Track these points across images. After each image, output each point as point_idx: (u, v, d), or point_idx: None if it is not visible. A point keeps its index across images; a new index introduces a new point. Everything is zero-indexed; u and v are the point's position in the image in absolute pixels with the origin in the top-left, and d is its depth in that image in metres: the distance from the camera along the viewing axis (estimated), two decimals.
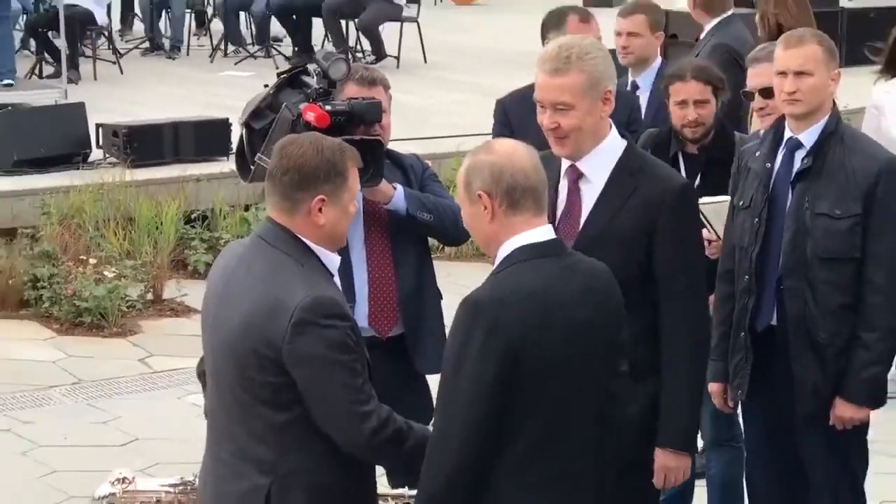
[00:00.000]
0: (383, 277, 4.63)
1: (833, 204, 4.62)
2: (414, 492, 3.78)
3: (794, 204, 4.67)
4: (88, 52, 13.63)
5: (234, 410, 3.67)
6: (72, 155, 9.99)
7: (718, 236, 5.06)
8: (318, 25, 14.31)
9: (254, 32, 14.80)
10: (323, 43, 14.36)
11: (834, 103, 4.77)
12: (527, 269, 3.50)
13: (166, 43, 14.78)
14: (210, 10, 15.42)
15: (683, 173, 5.23)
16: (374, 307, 4.61)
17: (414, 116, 10.03)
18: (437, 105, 11.86)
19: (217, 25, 15.00)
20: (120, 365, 7.87)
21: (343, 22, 14.03)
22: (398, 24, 13.98)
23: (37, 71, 13.12)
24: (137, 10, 15.48)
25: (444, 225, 4.67)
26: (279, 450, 3.60)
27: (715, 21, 7.11)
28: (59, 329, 8.26)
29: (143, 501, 3.90)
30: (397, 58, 13.75)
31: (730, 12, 7.17)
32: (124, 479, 3.94)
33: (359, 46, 14.11)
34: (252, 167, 4.45)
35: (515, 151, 3.56)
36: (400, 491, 3.93)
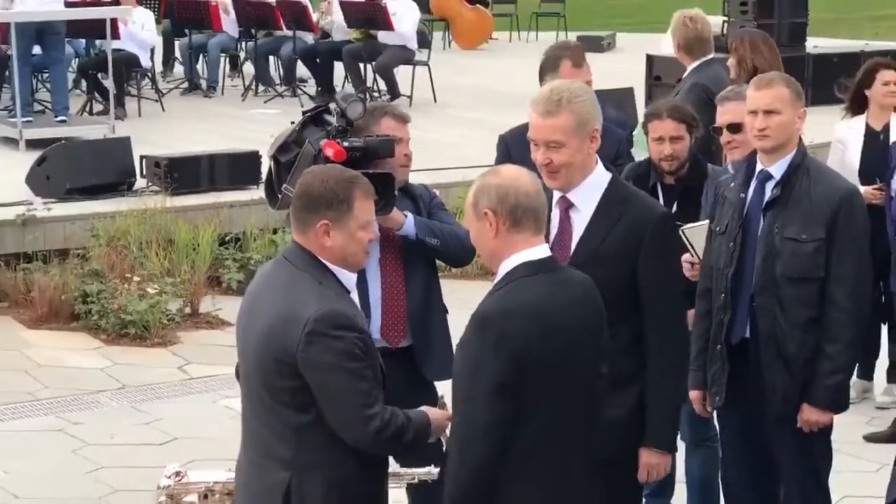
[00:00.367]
0: (394, 294, 4.63)
1: (800, 229, 4.61)
2: (422, 469, 3.86)
3: (766, 229, 4.67)
4: (134, 91, 13.63)
5: (261, 413, 3.68)
6: (118, 183, 9.99)
7: (697, 256, 5.06)
8: (339, 68, 14.33)
9: (281, 74, 14.83)
10: (343, 83, 14.37)
11: (800, 139, 4.77)
12: (527, 284, 3.54)
13: (203, 83, 14.79)
14: (242, 54, 15.45)
15: (662, 202, 5.24)
16: (385, 320, 4.61)
17: (424, 149, 9.98)
18: (445, 139, 11.85)
19: (249, 68, 15.03)
20: (161, 372, 7.86)
21: (361, 65, 14.05)
22: (411, 66, 14.00)
23: (87, 108, 13.12)
24: (178, 53, 15.52)
25: (449, 249, 4.69)
26: (298, 447, 3.61)
27: (696, 63, 7.11)
28: (107, 339, 8.25)
29: (195, 491, 3.93)
30: (410, 97, 13.75)
31: (710, 56, 7.16)
32: (178, 472, 3.95)
33: (375, 87, 14.12)
34: (279, 195, 4.47)
35: (520, 176, 3.61)
36: (413, 470, 3.94)
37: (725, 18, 14.44)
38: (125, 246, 8.93)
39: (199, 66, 15.02)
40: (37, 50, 12.33)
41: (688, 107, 5.61)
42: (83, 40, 13.94)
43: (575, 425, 3.58)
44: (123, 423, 7.07)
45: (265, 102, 13.92)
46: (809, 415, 4.65)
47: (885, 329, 7.18)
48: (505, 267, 3.58)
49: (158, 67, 15.25)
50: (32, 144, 11.21)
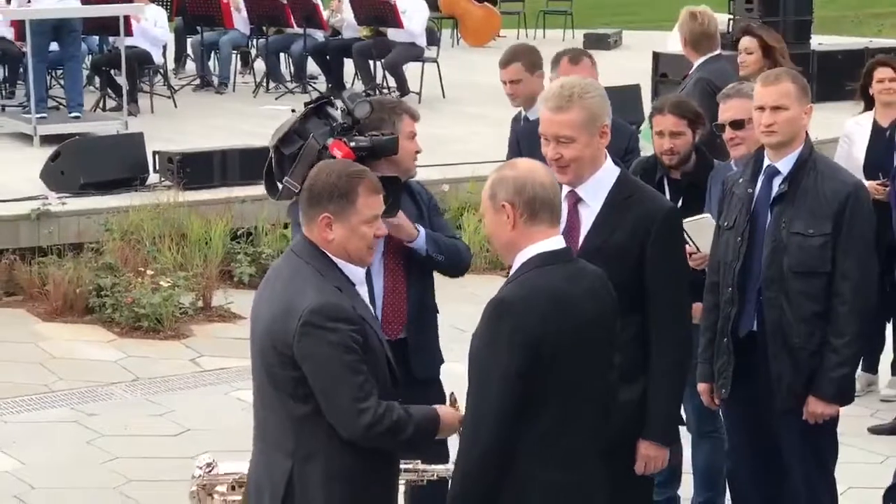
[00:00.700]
0: (396, 288, 4.64)
1: (807, 224, 4.61)
2: (441, 466, 3.84)
3: (773, 224, 4.66)
4: (146, 88, 13.64)
5: (266, 403, 3.70)
6: (132, 179, 10.00)
7: (699, 249, 5.08)
8: (349, 65, 14.32)
9: (292, 71, 14.82)
10: (353, 80, 14.37)
11: (807, 134, 4.77)
12: (544, 273, 3.56)
13: (215, 80, 14.79)
14: (253, 51, 15.45)
15: (668, 195, 5.24)
16: (386, 313, 4.62)
17: (434, 145, 10.00)
18: (454, 135, 11.84)
19: (260, 65, 15.02)
20: (174, 364, 7.87)
21: (371, 62, 14.04)
22: (420, 63, 13.99)
23: (101, 105, 13.13)
24: (190, 50, 15.52)
25: (450, 264, 4.73)
26: (299, 437, 3.61)
27: (702, 59, 7.10)
28: (120, 332, 8.26)
29: (225, 482, 3.95)
30: (419, 93, 13.75)
31: (717, 52, 7.16)
32: (209, 463, 3.98)
33: (385, 83, 14.11)
34: (280, 186, 4.48)
35: (536, 168, 3.64)
36: (433, 467, 3.93)
37: (731, 16, 14.41)
38: (138, 240, 8.94)
39: (210, 63, 15.02)
40: (53, 47, 12.35)
41: (692, 102, 5.61)
42: (96, 37, 13.95)
43: (591, 412, 3.60)
44: (137, 414, 7.08)
45: (276, 99, 13.92)
46: (815, 407, 4.65)
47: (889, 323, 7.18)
48: (521, 258, 3.60)
49: (171, 64, 15.26)
50: (47, 140, 11.23)
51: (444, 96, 13.93)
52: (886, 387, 7.22)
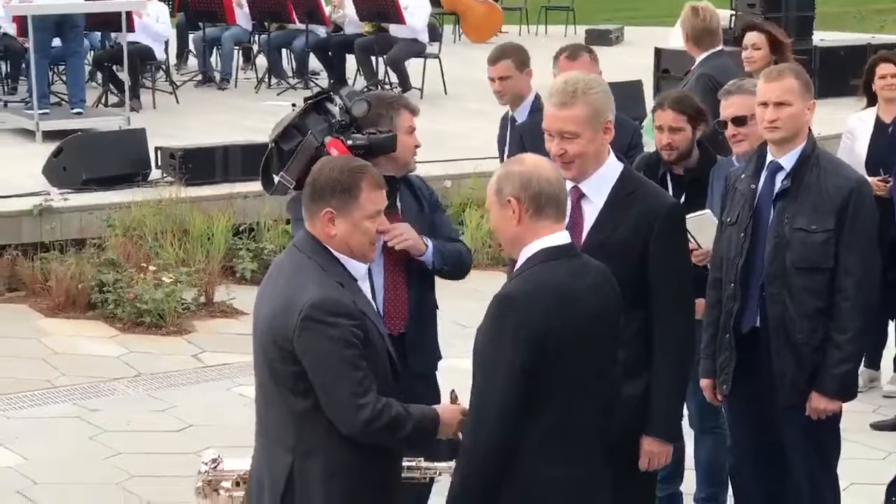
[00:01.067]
0: (397, 283, 4.64)
1: (809, 220, 4.61)
2: (444, 463, 3.83)
3: (776, 220, 4.66)
4: (148, 83, 13.63)
5: (268, 398, 3.70)
6: (134, 174, 10.00)
7: (700, 245, 5.07)
8: (350, 61, 14.31)
9: (294, 67, 14.81)
10: (355, 76, 14.36)
11: (810, 130, 4.77)
12: (548, 268, 3.56)
13: (217, 76, 14.78)
14: (255, 47, 15.44)
15: (670, 191, 5.24)
16: (387, 308, 4.62)
17: (436, 141, 10.01)
18: (456, 131, 11.83)
19: (262, 60, 15.01)
20: (176, 360, 7.87)
21: (373, 58, 14.03)
22: (422, 59, 13.98)
23: (103, 100, 13.13)
24: (192, 46, 15.51)
25: (453, 272, 4.73)
26: (299, 433, 3.61)
27: (704, 55, 7.09)
28: (122, 328, 8.26)
29: (230, 478, 3.96)
30: (421, 89, 13.74)
31: (719, 48, 7.15)
32: (215, 459, 3.98)
33: (387, 79, 14.10)
34: (276, 181, 4.49)
35: (542, 164, 3.65)
36: (436, 464, 3.92)
37: (733, 12, 14.40)
38: (140, 236, 8.95)
39: (212, 59, 15.02)
40: (55, 42, 12.34)
41: (694, 99, 5.60)
42: (98, 33, 13.95)
43: (594, 408, 3.61)
44: (140, 410, 7.08)
45: (278, 95, 13.91)
46: (818, 403, 4.65)
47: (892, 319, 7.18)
48: (526, 252, 3.60)
49: (173, 60, 15.26)
50: (49, 136, 11.23)
51: (445, 92, 13.92)
52: (889, 383, 7.22)
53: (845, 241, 4.60)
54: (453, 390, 3.86)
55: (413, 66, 13.98)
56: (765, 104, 4.68)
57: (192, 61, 15.48)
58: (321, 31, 14.45)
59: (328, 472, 3.60)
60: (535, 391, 3.48)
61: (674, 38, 12.40)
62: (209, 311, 8.57)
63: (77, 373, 7.59)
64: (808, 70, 5.63)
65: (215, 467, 3.98)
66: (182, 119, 12.50)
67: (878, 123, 7.08)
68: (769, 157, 4.73)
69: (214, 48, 14.97)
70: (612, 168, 4.20)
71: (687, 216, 4.82)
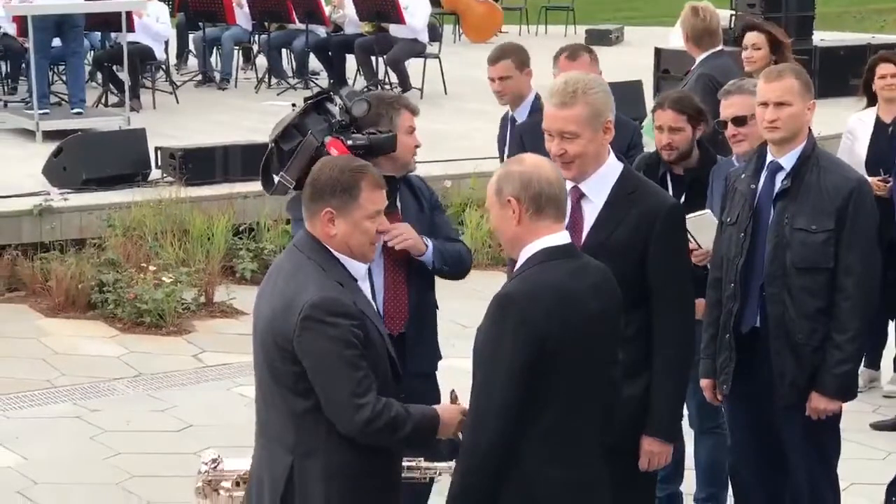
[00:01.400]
0: (396, 286, 4.64)
1: (809, 220, 4.61)
2: (444, 464, 3.82)
3: (776, 220, 4.66)
4: (148, 83, 13.64)
5: (268, 397, 3.70)
6: (134, 174, 10.00)
7: (700, 245, 5.07)
8: (350, 61, 14.31)
9: (294, 67, 14.81)
10: (355, 76, 14.36)
11: (810, 130, 4.77)
12: (549, 268, 3.56)
13: (217, 76, 14.79)
14: (255, 47, 15.45)
15: (670, 191, 5.24)
16: (388, 308, 4.62)
17: (435, 141, 10.02)
18: (456, 131, 11.83)
19: (262, 60, 15.01)
20: (176, 360, 7.87)
21: (373, 58, 14.03)
22: (422, 59, 13.98)
23: (103, 100, 13.12)
24: (192, 46, 15.51)
25: (453, 272, 4.73)
26: (299, 433, 3.61)
27: (704, 55, 7.09)
28: (122, 328, 8.26)
29: (230, 479, 3.96)
30: (421, 89, 13.74)
31: (719, 48, 7.15)
32: (214, 459, 3.98)
33: (387, 79, 14.10)
34: (276, 181, 4.49)
35: (542, 164, 3.65)
36: (436, 464, 3.92)
37: (733, 12, 14.40)
38: (140, 236, 8.95)
39: (212, 59, 15.02)
40: (55, 42, 12.34)
41: (694, 99, 5.60)
42: (98, 33, 13.95)
43: (594, 408, 3.61)
44: (139, 410, 7.08)
45: (278, 95, 13.92)
46: (818, 403, 4.65)
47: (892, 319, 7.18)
48: (526, 252, 3.60)
49: (173, 60, 15.26)
50: (49, 136, 11.23)
51: (445, 92, 13.92)
52: (889, 383, 7.22)
53: (845, 241, 4.60)
54: (453, 390, 3.86)
55: (413, 66, 13.98)
56: (765, 104, 4.68)
57: (192, 61, 15.48)
58: (321, 31, 14.45)
59: (328, 472, 3.60)
60: (535, 391, 3.48)
61: (674, 38, 12.40)
62: (209, 311, 8.57)
63: (77, 373, 7.59)
64: (808, 70, 5.63)
65: (215, 467, 3.98)
66: (182, 119, 12.50)
67: (878, 123, 7.08)
68: (769, 157, 4.73)
69: (214, 48, 14.97)
70: (612, 168, 4.20)
71: (687, 216, 4.82)
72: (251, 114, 12.48)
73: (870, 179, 6.37)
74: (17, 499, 6.03)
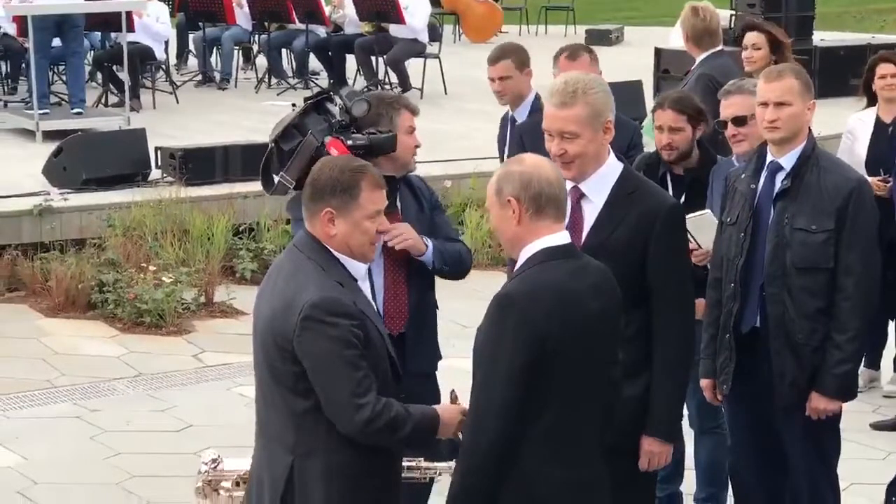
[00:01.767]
0: (396, 286, 4.64)
1: (809, 220, 4.61)
2: (444, 464, 3.82)
3: (776, 220, 4.66)
4: (148, 83, 13.64)
5: (268, 397, 3.70)
6: (134, 174, 10.00)
7: (700, 245, 5.07)
8: (350, 61, 14.32)
9: (294, 67, 14.81)
10: (355, 76, 14.36)
11: (810, 130, 4.77)
12: (548, 268, 3.56)
13: (217, 76, 14.79)
14: (255, 47, 15.45)
15: (670, 191, 5.24)
16: (388, 308, 4.62)
17: (435, 141, 10.02)
18: (456, 131, 11.83)
19: (262, 60, 15.01)
20: (176, 360, 7.87)
21: (373, 58, 14.03)
22: (422, 59, 13.98)
23: (103, 100, 13.12)
24: (192, 46, 15.51)
25: (453, 273, 4.73)
26: (299, 432, 3.61)
27: (704, 55, 7.09)
28: (122, 328, 8.26)
29: (230, 479, 3.97)
30: (421, 89, 13.74)
31: (719, 48, 7.15)
32: (215, 459, 3.99)
33: (387, 79, 14.10)
34: (276, 181, 4.49)
35: (542, 164, 3.65)
36: (435, 464, 3.92)
37: (733, 12, 14.40)
38: (140, 236, 8.95)
39: (212, 59, 15.02)
40: (55, 42, 12.34)
41: (694, 99, 5.61)
42: (98, 33, 13.95)
43: (594, 408, 3.61)
44: (139, 410, 7.08)
45: (278, 95, 13.92)
46: (818, 403, 4.65)
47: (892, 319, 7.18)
48: (526, 252, 3.60)
49: (172, 60, 15.26)
50: (49, 136, 11.23)
51: (445, 92, 13.92)
52: (889, 383, 7.22)
53: (845, 241, 4.60)
54: (453, 390, 3.86)
55: (413, 66, 13.98)
56: (765, 104, 4.68)
57: (192, 61, 15.48)
58: (321, 31, 14.45)
59: (328, 472, 3.60)
60: (536, 391, 3.49)
61: (674, 38, 12.40)
62: (209, 311, 8.57)
63: (77, 373, 7.59)
64: (808, 70, 5.63)
65: (215, 467, 3.99)
66: (182, 119, 12.50)
67: (878, 123, 7.08)
68: (769, 157, 4.73)
69: (214, 48, 14.97)
70: (612, 168, 4.20)
71: (687, 216, 4.83)
72: (251, 114, 12.48)
73: (870, 179, 6.37)
74: (17, 499, 6.03)
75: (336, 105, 4.56)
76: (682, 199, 5.23)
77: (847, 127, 7.26)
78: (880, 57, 7.24)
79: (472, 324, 3.71)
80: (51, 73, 13.21)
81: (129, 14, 12.30)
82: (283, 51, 14.89)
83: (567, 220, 4.12)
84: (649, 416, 4.16)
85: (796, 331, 4.62)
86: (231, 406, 7.03)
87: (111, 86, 13.17)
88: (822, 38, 14.61)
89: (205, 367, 7.79)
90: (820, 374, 4.63)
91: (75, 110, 11.98)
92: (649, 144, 5.96)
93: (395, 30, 13.79)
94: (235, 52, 14.98)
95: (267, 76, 14.53)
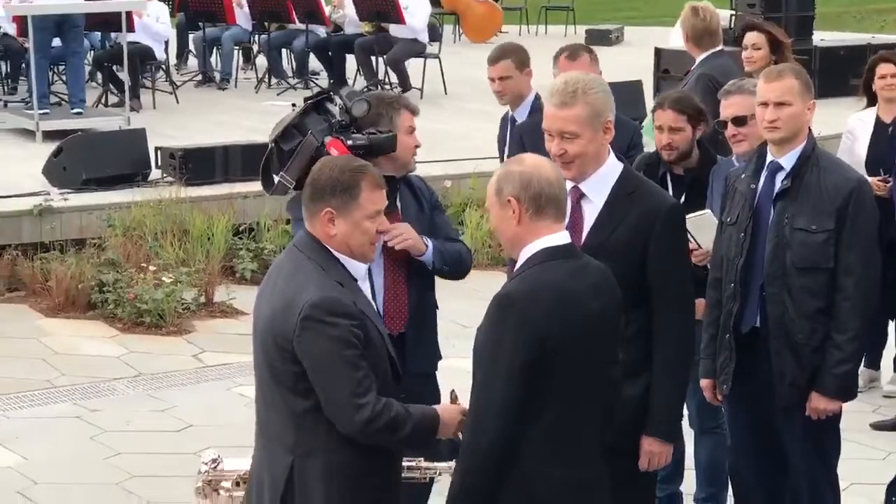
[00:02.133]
0: (396, 286, 4.64)
1: (809, 220, 4.61)
2: (444, 464, 3.81)
3: (776, 220, 4.66)
4: (148, 83, 13.64)
5: (268, 397, 3.70)
6: (134, 174, 10.00)
7: (700, 245, 5.08)
8: (350, 61, 14.32)
9: (294, 67, 14.82)
10: (355, 76, 14.36)
11: (810, 130, 4.77)
12: (549, 268, 3.57)
13: (217, 76, 14.79)
14: (255, 47, 15.45)
15: (670, 191, 5.24)
16: (388, 308, 4.62)
17: (435, 141, 10.03)
18: (456, 131, 11.83)
19: (262, 60, 15.01)
20: (176, 360, 7.87)
21: (373, 58, 14.04)
22: (422, 59, 13.98)
23: (103, 100, 13.12)
24: (192, 46, 15.52)
25: (453, 273, 4.73)
26: (299, 432, 3.61)
27: (704, 55, 7.09)
28: (122, 328, 8.26)
29: (230, 479, 3.97)
30: (421, 89, 13.74)
31: (719, 48, 7.15)
32: (215, 459, 3.99)
33: (387, 79, 14.11)
34: (276, 181, 4.49)
35: (542, 164, 3.65)
36: (435, 464, 3.92)
37: (733, 12, 14.40)
38: (140, 236, 8.95)
39: (212, 59, 15.02)
40: (55, 42, 12.34)
41: (694, 99, 5.61)
42: (98, 33, 13.95)
43: (594, 408, 3.61)
44: (139, 410, 7.08)
45: (278, 95, 13.92)
46: (818, 403, 4.65)
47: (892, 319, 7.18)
48: (526, 252, 3.60)
49: (172, 60, 15.26)
50: (49, 136, 11.23)
51: (445, 92, 13.92)
52: (889, 383, 7.22)
53: (845, 241, 4.60)
54: (453, 390, 3.86)
55: (413, 66, 13.98)
56: (765, 104, 4.68)
57: (192, 61, 15.48)
58: (321, 31, 14.45)
59: (328, 472, 3.60)
60: (536, 391, 3.49)
61: (674, 38, 12.39)
62: (209, 311, 8.57)
63: (77, 373, 7.59)
64: (808, 70, 5.63)
65: (215, 467, 3.99)
66: (182, 119, 12.50)
67: (878, 123, 7.08)
68: (769, 157, 4.73)
69: (214, 48, 14.97)
70: (612, 168, 4.21)
71: (687, 216, 4.83)
72: (251, 114, 12.48)
73: (870, 179, 6.37)
74: (17, 499, 6.03)
75: (336, 105, 4.56)
76: (682, 199, 5.23)
77: (847, 127, 7.26)
78: (880, 57, 7.24)
79: (472, 324, 3.71)
80: (51, 73, 13.21)
81: (129, 14, 12.30)
82: (283, 51, 14.89)
83: (567, 220, 4.13)
84: (649, 416, 4.17)
85: (796, 331, 4.63)
86: (231, 406, 7.03)
87: (111, 86, 13.17)
88: (822, 38, 14.61)
89: (205, 367, 7.79)
90: (820, 374, 4.63)
91: (75, 110, 11.98)
92: (649, 144, 5.96)
93: (395, 30, 13.80)
94: (235, 52, 14.98)
95: (267, 76, 14.53)
